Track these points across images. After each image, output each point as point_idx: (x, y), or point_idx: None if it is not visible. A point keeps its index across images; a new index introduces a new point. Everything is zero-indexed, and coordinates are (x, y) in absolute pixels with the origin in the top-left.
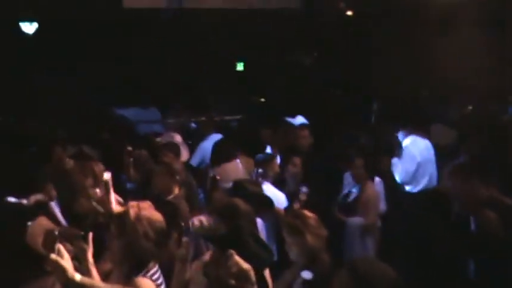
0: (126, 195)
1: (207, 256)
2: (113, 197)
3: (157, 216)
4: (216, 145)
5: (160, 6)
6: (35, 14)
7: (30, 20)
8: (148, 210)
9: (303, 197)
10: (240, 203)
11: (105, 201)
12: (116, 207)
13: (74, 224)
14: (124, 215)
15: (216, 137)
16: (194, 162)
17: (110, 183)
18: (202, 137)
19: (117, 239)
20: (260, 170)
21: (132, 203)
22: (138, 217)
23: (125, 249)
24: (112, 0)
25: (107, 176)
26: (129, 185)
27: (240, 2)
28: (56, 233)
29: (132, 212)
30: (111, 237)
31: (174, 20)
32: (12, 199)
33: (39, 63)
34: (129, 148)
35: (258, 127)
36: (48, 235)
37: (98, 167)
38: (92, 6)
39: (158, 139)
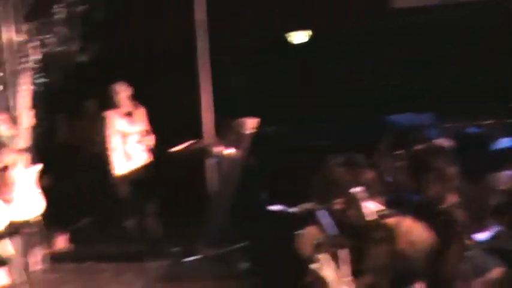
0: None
1: (494, 273)
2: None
3: (428, 229)
4: None
5: (433, 3)
6: (304, 24)
7: (299, 30)
8: (418, 223)
9: None
10: None
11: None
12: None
13: (345, 234)
14: (394, 226)
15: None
16: None
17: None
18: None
19: (383, 250)
20: None
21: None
22: (409, 229)
23: (391, 263)
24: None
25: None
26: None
27: None
28: (318, 242)
29: (403, 224)
30: (378, 250)
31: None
32: (279, 207)
33: (309, 73)
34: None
35: None
36: (313, 244)
37: (368, 174)
38: (358, 10)
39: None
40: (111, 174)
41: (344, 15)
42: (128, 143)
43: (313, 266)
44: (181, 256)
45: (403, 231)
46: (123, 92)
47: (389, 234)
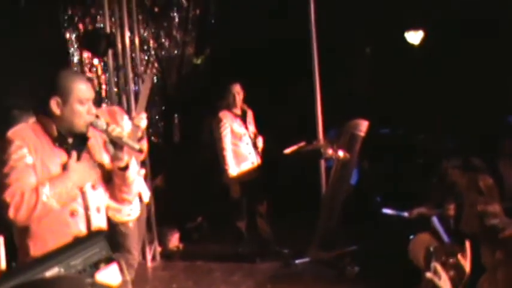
0: None
1: None
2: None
3: None
4: None
5: None
6: (421, 22)
7: (416, 29)
8: None
9: None
10: None
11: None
12: None
13: (459, 241)
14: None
15: None
16: None
17: None
18: None
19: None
20: None
21: None
22: None
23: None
24: None
25: None
26: None
27: None
28: (432, 249)
29: None
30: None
31: None
32: (392, 211)
33: (425, 73)
34: None
35: None
36: (427, 251)
37: (485, 179)
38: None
39: None
40: (224, 175)
41: None
42: (240, 144)
43: (428, 275)
44: (292, 258)
45: None
46: (240, 93)
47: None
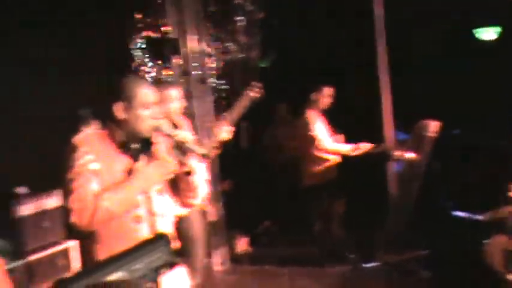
0: None
1: None
2: None
3: None
4: None
5: None
6: (496, 19)
7: (490, 26)
8: None
9: None
10: None
11: None
12: None
13: None
14: None
15: None
16: None
17: None
18: None
19: None
20: None
21: None
22: None
23: None
24: None
25: None
26: None
27: None
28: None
29: None
30: None
31: None
32: (464, 214)
33: (500, 72)
34: None
35: None
36: (506, 255)
37: None
38: None
39: None
40: (302, 178)
41: None
42: (319, 147)
43: (510, 277)
44: (360, 262)
45: None
46: (330, 97)
47: None
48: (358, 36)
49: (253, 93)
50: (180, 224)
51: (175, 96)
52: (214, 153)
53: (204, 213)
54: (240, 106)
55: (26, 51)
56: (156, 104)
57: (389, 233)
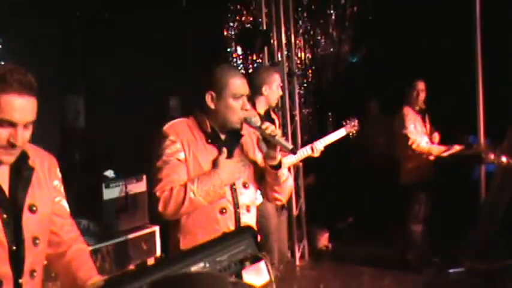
0: None
1: None
2: None
3: None
4: None
5: None
6: None
7: None
8: None
9: None
10: None
11: None
12: None
13: None
14: None
15: None
16: None
17: None
18: None
19: None
20: None
21: None
22: None
23: None
24: None
25: None
26: None
27: None
28: None
29: None
30: None
31: None
32: None
33: None
34: None
35: None
36: None
37: None
38: None
39: None
40: (400, 175)
41: None
42: (412, 146)
43: None
44: (445, 267)
45: None
46: (423, 91)
47: None
48: (453, 34)
49: (349, 128)
50: (260, 218)
51: (278, 81)
52: (300, 148)
53: (286, 208)
54: (333, 138)
55: (129, 39)
56: (246, 96)
57: (478, 239)
